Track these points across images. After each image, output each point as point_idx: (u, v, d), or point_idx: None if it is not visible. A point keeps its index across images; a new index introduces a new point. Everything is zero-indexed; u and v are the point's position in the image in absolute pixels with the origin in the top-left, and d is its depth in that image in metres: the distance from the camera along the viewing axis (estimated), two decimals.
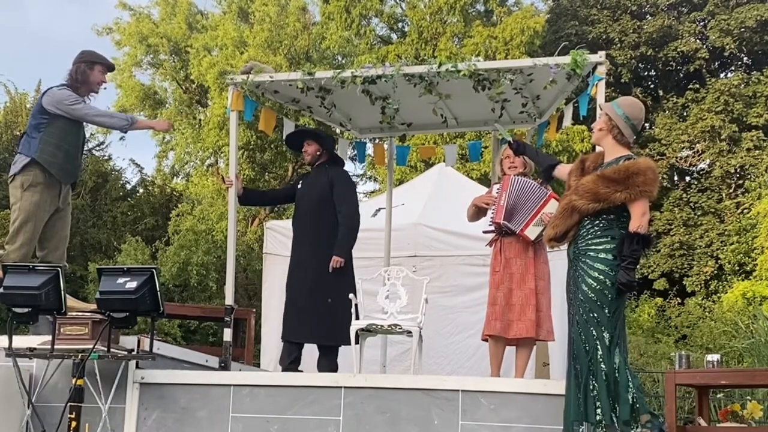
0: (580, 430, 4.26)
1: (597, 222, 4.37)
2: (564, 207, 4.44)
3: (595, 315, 4.26)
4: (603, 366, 4.21)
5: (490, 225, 5.70)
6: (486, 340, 5.61)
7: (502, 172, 5.83)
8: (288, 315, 6.14)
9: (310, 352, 6.23)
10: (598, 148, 4.71)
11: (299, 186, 6.43)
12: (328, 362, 6.03)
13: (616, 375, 4.22)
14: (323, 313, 6.00)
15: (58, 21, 42.52)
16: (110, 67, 6.18)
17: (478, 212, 5.86)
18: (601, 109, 4.73)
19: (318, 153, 6.36)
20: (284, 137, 6.64)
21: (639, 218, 4.31)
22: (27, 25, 39.93)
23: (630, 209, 4.34)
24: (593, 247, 4.35)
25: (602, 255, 4.32)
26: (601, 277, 4.30)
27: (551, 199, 5.56)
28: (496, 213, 5.59)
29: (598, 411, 4.19)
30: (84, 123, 6.05)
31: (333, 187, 6.20)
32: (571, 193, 4.44)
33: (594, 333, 4.24)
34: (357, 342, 5.68)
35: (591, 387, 4.21)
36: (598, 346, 4.23)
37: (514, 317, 5.46)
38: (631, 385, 4.22)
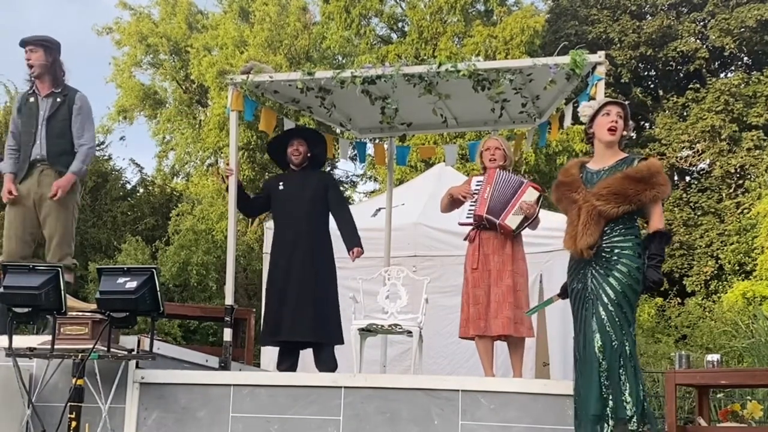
0: (597, 427, 4.26)
1: (620, 221, 4.40)
2: (589, 214, 4.39)
3: (624, 312, 4.30)
4: (631, 361, 4.26)
5: (468, 217, 5.67)
6: (472, 339, 5.58)
7: (482, 165, 5.83)
8: (281, 316, 6.03)
9: (308, 351, 6.23)
10: (599, 149, 4.63)
11: (280, 187, 6.36)
12: (326, 360, 6.03)
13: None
14: (321, 313, 5.99)
15: (58, 21, 42.48)
16: (21, 44, 6.04)
17: (452, 203, 5.85)
18: (604, 107, 4.63)
19: (308, 154, 6.38)
20: (269, 141, 6.60)
21: (661, 216, 4.43)
22: (27, 25, 39.87)
23: (651, 208, 4.42)
24: (619, 245, 4.37)
25: (628, 252, 4.36)
26: (630, 274, 4.33)
27: (528, 188, 5.58)
28: (479, 206, 5.58)
29: (627, 406, 4.21)
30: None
31: (328, 190, 6.31)
32: (590, 198, 4.40)
33: (623, 330, 4.28)
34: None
35: (622, 382, 4.24)
36: (626, 343, 4.27)
37: (492, 315, 5.46)
38: (641, 384, 4.26)
